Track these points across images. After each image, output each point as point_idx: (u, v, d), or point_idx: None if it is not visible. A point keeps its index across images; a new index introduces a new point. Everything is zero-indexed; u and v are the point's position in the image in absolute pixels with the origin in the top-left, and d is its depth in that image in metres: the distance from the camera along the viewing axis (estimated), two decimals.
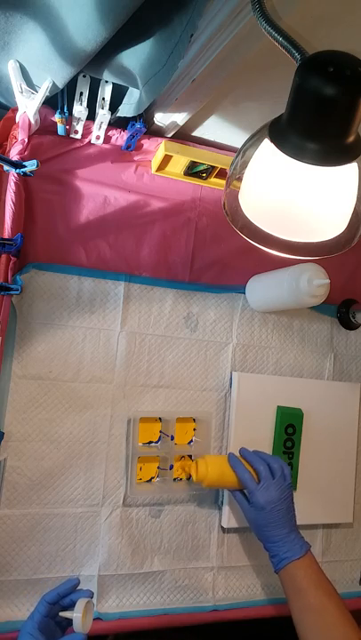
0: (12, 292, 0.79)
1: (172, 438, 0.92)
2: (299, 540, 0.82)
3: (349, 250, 0.57)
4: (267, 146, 0.51)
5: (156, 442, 0.93)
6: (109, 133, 0.88)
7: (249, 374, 0.99)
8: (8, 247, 0.78)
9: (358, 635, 0.73)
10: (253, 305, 0.99)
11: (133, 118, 0.84)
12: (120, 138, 0.89)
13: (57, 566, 0.85)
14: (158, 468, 0.93)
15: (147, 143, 0.90)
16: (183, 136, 0.91)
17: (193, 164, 0.91)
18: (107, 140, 0.89)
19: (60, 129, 0.84)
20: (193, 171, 0.93)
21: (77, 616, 0.67)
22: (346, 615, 0.75)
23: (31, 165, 0.78)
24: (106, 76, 0.75)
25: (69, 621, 0.69)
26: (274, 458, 0.86)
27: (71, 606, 0.70)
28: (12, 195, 0.80)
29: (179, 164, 0.91)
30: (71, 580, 0.72)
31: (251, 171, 0.56)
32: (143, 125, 0.84)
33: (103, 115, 0.82)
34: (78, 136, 0.86)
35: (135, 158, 0.92)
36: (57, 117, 0.82)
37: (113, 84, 0.80)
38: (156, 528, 0.92)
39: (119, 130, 0.88)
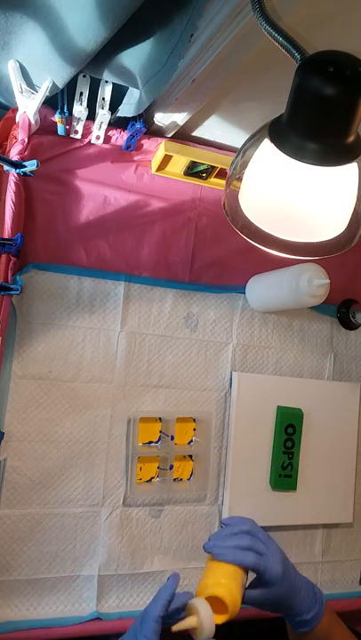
0: (12, 292, 0.79)
1: (172, 438, 0.92)
2: (310, 582, 0.71)
3: (349, 250, 0.57)
4: (267, 146, 0.51)
5: (156, 442, 0.93)
6: (109, 133, 0.88)
7: (249, 374, 0.99)
8: (8, 247, 0.78)
9: None
10: (253, 305, 0.99)
11: (133, 118, 0.84)
12: (120, 138, 0.89)
13: (57, 566, 0.85)
14: (158, 467, 0.93)
15: (147, 143, 0.90)
16: (183, 136, 0.91)
17: (193, 164, 0.91)
18: (107, 139, 0.89)
19: (60, 129, 0.84)
20: (193, 171, 0.93)
21: (209, 623, 0.57)
22: None
23: (31, 165, 0.78)
24: (106, 75, 0.75)
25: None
26: (239, 521, 0.70)
27: (175, 613, 0.60)
28: (12, 195, 0.80)
29: (179, 163, 0.91)
30: (172, 581, 0.61)
31: (251, 171, 0.56)
32: (143, 125, 0.84)
33: (103, 115, 0.82)
34: (78, 136, 0.86)
35: (135, 158, 0.92)
36: (57, 117, 0.82)
37: (113, 83, 0.80)
38: (156, 528, 0.92)
39: (119, 130, 0.88)
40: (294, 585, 0.67)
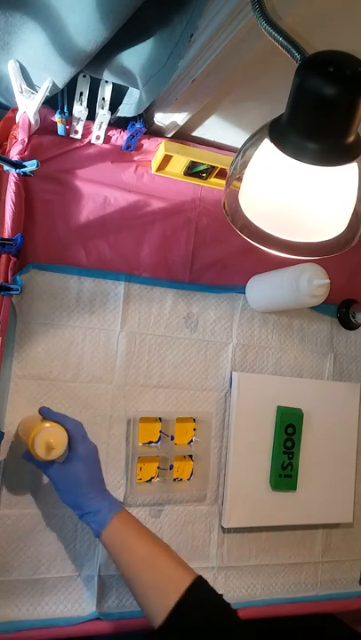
0: (12, 292, 0.79)
1: (172, 438, 0.92)
2: (111, 495, 0.77)
3: (349, 250, 0.57)
4: (267, 146, 0.51)
5: (156, 442, 0.93)
6: (109, 133, 0.88)
7: (249, 374, 0.99)
8: (8, 247, 0.78)
9: (191, 575, 0.69)
10: (253, 305, 0.99)
11: (133, 118, 0.84)
12: (120, 138, 0.89)
13: (57, 566, 0.85)
14: (158, 467, 0.93)
15: (147, 143, 0.90)
16: (183, 136, 0.91)
17: (193, 164, 0.91)
18: (107, 139, 0.89)
19: (60, 129, 0.84)
20: (193, 171, 0.93)
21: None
22: (175, 558, 0.72)
23: (31, 165, 0.78)
24: (106, 76, 0.75)
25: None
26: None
27: None
28: (12, 195, 0.80)
29: (179, 164, 0.91)
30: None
31: (251, 171, 0.56)
32: (143, 125, 0.84)
33: (103, 115, 0.82)
34: (78, 136, 0.86)
35: (135, 158, 0.92)
36: (57, 117, 0.82)
37: (113, 83, 0.80)
38: (156, 528, 0.92)
39: (119, 130, 0.88)
40: (92, 477, 0.76)
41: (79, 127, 0.85)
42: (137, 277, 0.92)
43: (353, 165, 0.50)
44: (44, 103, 0.78)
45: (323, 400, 1.03)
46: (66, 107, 0.81)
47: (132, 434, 0.89)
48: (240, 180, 0.57)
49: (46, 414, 0.79)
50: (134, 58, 0.67)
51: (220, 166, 0.90)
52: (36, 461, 0.76)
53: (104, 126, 0.85)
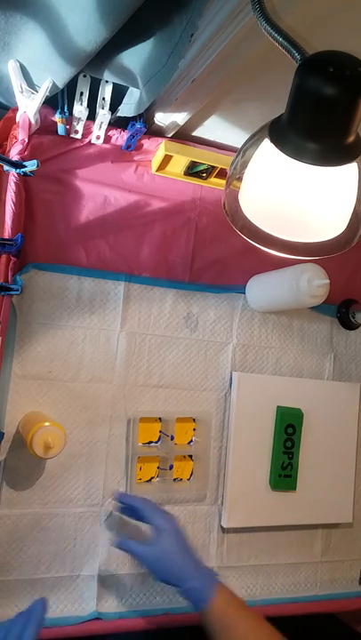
0: (12, 293, 0.79)
1: (172, 438, 0.92)
2: (205, 564, 0.76)
3: (349, 250, 0.57)
4: (267, 146, 0.51)
5: (156, 442, 0.93)
6: (109, 133, 0.88)
7: (249, 374, 0.99)
8: (8, 247, 0.78)
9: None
10: (253, 305, 0.99)
11: (133, 118, 0.84)
12: (120, 138, 0.89)
13: (57, 566, 0.85)
14: (158, 467, 0.93)
15: (147, 143, 0.90)
16: (183, 136, 0.91)
17: (193, 164, 0.91)
18: (107, 139, 0.89)
19: (61, 129, 0.84)
20: (193, 171, 0.93)
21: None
22: (272, 629, 0.73)
23: (31, 165, 0.78)
24: (106, 75, 0.75)
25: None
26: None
27: None
28: (12, 195, 0.80)
29: (179, 163, 0.91)
30: (42, 608, 0.67)
31: (251, 171, 0.56)
32: (143, 125, 0.84)
33: (103, 114, 0.82)
34: (78, 136, 0.86)
35: (135, 158, 0.92)
36: (57, 117, 0.82)
37: (113, 83, 0.80)
38: None
39: (119, 130, 0.88)
40: (187, 549, 0.74)
41: (79, 127, 0.85)
42: (137, 277, 0.92)
43: (353, 165, 0.50)
44: (44, 103, 0.78)
45: (323, 400, 1.03)
46: (66, 106, 0.81)
47: (132, 434, 0.89)
48: (240, 179, 0.57)
49: (122, 499, 0.83)
50: (134, 58, 0.67)
51: (220, 166, 0.91)
52: (129, 546, 0.77)
53: (104, 126, 0.85)
